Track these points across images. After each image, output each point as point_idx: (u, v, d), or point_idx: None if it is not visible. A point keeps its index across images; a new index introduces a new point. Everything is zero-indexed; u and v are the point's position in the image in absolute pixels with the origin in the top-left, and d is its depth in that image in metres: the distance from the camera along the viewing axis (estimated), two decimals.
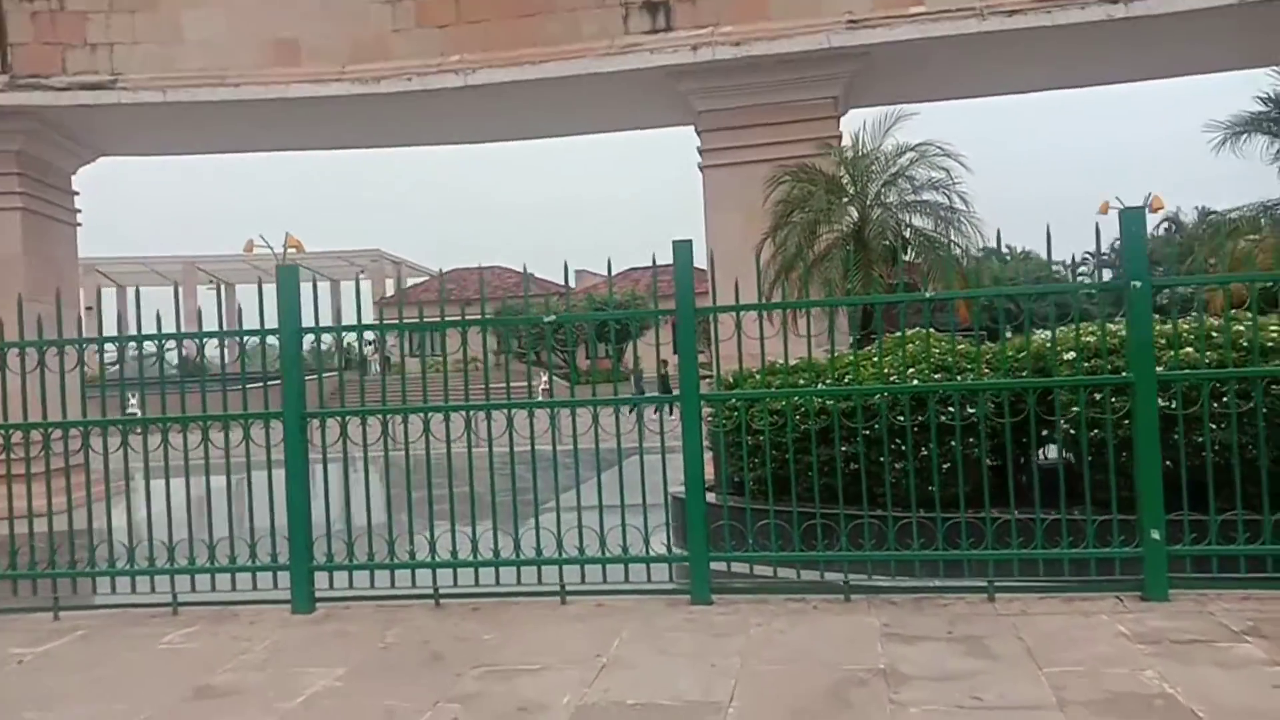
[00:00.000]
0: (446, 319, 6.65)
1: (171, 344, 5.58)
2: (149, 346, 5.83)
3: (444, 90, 13.14)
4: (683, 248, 5.66)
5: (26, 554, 6.12)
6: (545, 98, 13.67)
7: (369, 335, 6.08)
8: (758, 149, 12.77)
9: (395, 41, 13.49)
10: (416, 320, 6.47)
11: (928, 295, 6.37)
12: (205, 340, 6.18)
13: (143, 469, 6.12)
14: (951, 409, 5.75)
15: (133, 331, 6.24)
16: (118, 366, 6.71)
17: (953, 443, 5.64)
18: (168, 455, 6.00)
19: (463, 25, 13.40)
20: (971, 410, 5.75)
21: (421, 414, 6.04)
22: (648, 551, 5.72)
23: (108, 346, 6.51)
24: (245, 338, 6.10)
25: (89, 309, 58.84)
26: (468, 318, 6.25)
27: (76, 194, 15.50)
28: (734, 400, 6.42)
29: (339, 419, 6.01)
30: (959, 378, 6.55)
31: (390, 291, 57.24)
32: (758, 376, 6.30)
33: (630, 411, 5.91)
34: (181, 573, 5.99)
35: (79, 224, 15.52)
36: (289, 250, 37.80)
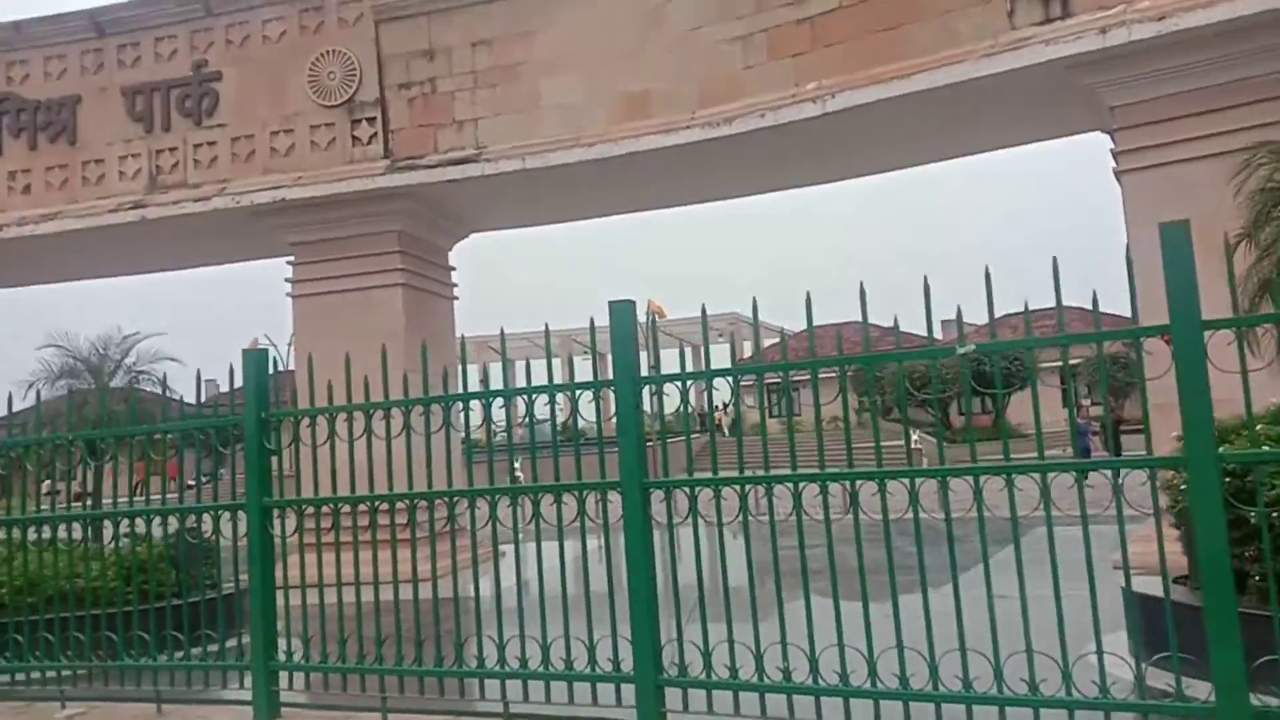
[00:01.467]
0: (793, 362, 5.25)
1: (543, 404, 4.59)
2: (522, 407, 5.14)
3: (799, 122, 11.92)
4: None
5: (356, 643, 5.41)
6: (914, 118, 12.01)
7: (720, 395, 4.78)
8: (1194, 143, 10.20)
9: (747, 79, 12.55)
10: (759, 363, 5.06)
11: None
12: (537, 397, 5.21)
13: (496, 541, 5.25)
14: None
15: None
16: (500, 431, 6.06)
17: None
18: (517, 525, 5.06)
19: (818, 51, 12.17)
20: None
21: (790, 484, 4.59)
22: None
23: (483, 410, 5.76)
24: (578, 392, 5.06)
25: (483, 381, 65.39)
26: (825, 361, 4.75)
27: (453, 269, 16.14)
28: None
29: (688, 490, 4.73)
30: None
31: (748, 354, 57.55)
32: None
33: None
34: (513, 677, 4.96)
35: (456, 298, 16.09)
36: (651, 316, 38.69)
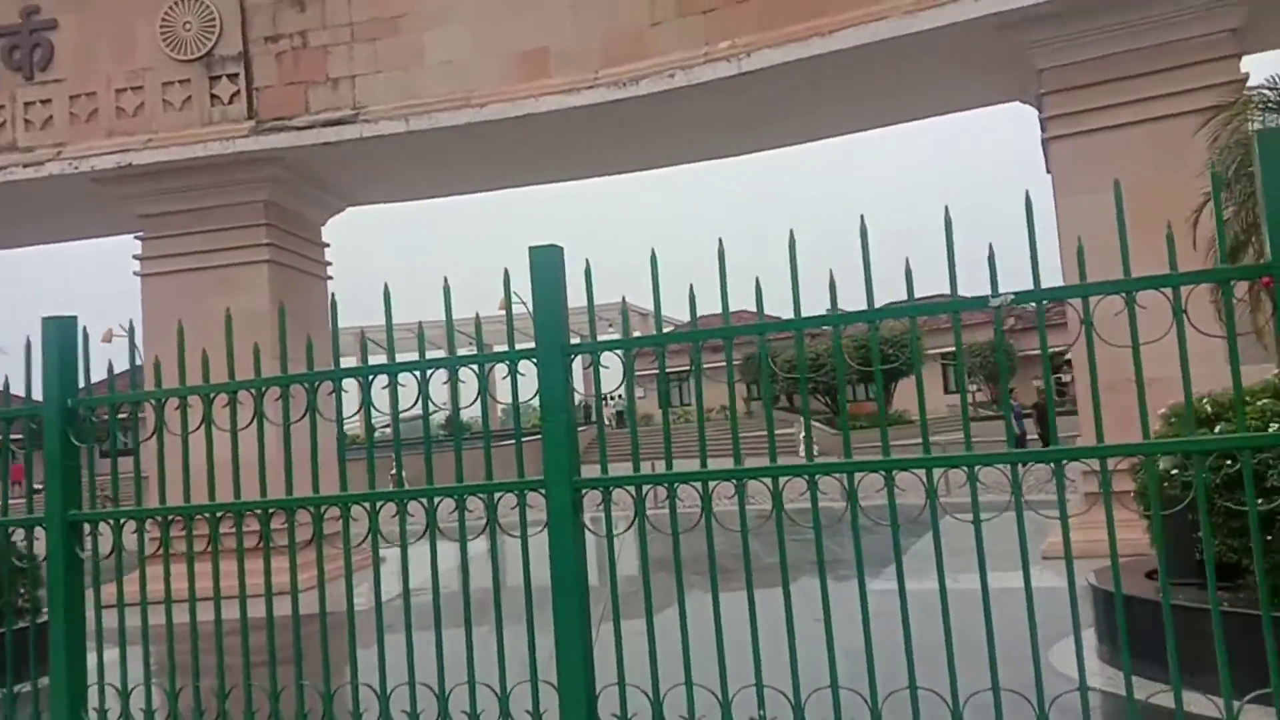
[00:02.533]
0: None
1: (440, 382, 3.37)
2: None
3: (714, 84, 10.95)
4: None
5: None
6: (837, 81, 11.19)
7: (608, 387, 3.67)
8: (1127, 108, 9.67)
9: (654, 37, 11.51)
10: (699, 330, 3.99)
11: None
12: (432, 374, 4.03)
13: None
14: None
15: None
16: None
17: None
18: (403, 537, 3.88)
19: (731, 7, 11.22)
20: None
21: (769, 478, 3.55)
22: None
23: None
24: (488, 366, 3.91)
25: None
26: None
27: (327, 246, 14.63)
28: None
29: (632, 491, 3.62)
30: None
31: None
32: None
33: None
34: None
35: (330, 278, 14.59)
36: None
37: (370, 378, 4.08)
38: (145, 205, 12.96)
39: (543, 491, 3.65)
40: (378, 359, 4.15)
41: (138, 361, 5.43)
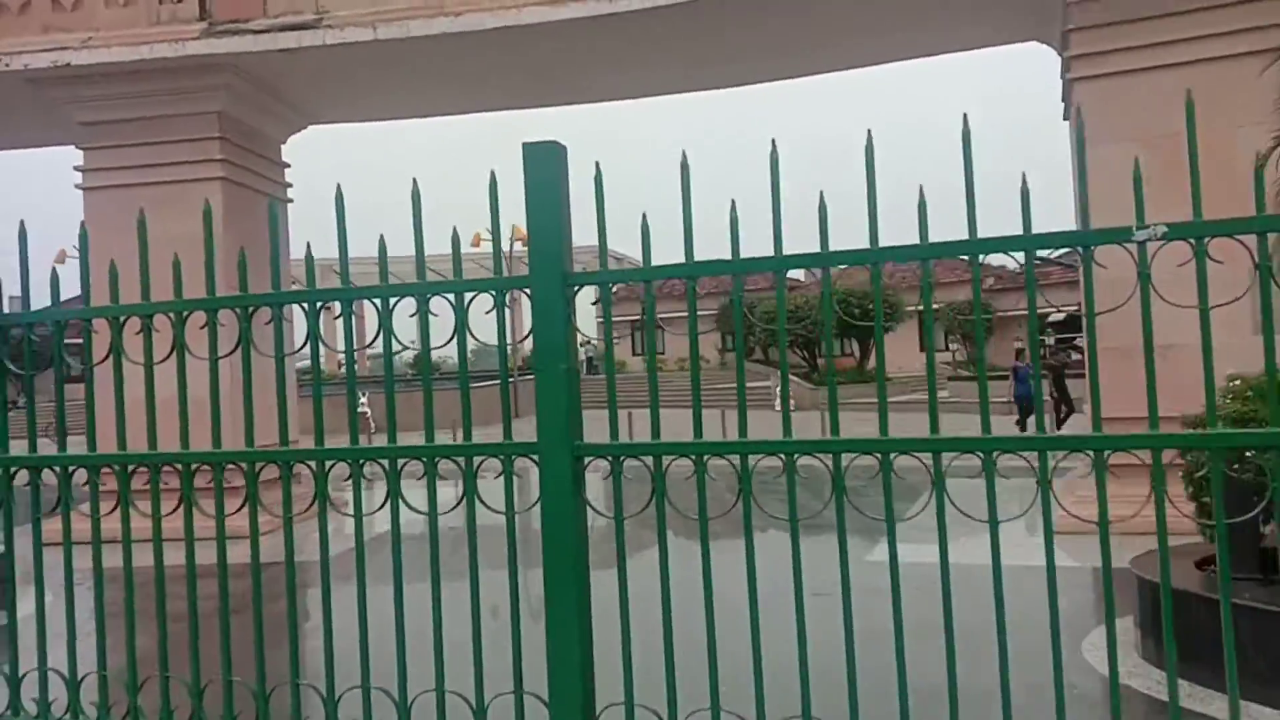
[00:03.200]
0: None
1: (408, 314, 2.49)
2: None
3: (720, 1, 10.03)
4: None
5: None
6: (851, 10, 10.32)
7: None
8: (1171, 47, 8.92)
9: None
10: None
11: None
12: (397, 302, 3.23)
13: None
14: None
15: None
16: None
17: None
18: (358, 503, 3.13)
19: None
20: None
21: (828, 454, 2.81)
22: None
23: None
24: (468, 296, 3.11)
25: (326, 308, 61.75)
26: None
27: (287, 166, 13.59)
28: None
29: (648, 461, 2.87)
30: None
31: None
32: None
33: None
34: None
35: (290, 200, 13.58)
36: (515, 244, 36.29)
37: (320, 305, 3.27)
38: (87, 112, 11.85)
39: (535, 458, 2.90)
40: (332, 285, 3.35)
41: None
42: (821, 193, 2.85)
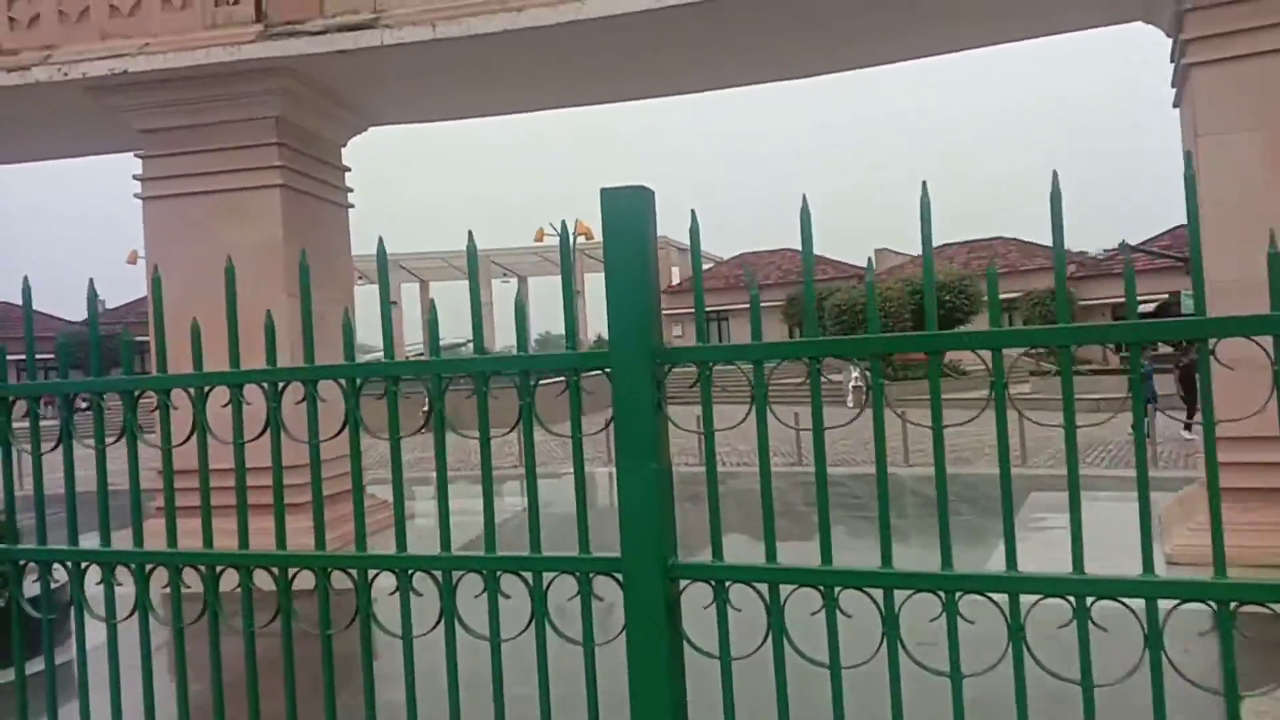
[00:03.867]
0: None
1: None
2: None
3: None
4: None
5: None
6: None
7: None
8: None
9: None
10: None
11: None
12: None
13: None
14: None
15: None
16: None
17: None
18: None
19: None
20: None
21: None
22: None
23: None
24: (534, 377, 2.54)
25: (393, 303, 62.21)
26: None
27: (348, 170, 13.24)
28: None
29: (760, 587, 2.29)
30: None
31: (676, 280, 55.13)
32: None
33: None
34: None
35: (350, 205, 13.24)
36: (577, 238, 35.95)
37: (360, 382, 2.74)
38: (145, 119, 11.61)
39: (618, 577, 2.34)
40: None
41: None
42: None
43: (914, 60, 12.13)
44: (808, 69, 12.37)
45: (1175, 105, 10.06)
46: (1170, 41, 9.79)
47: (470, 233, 2.61)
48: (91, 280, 3.38)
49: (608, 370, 2.38)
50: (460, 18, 10.24)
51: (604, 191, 2.35)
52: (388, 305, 2.61)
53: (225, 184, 11.39)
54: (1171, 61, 9.81)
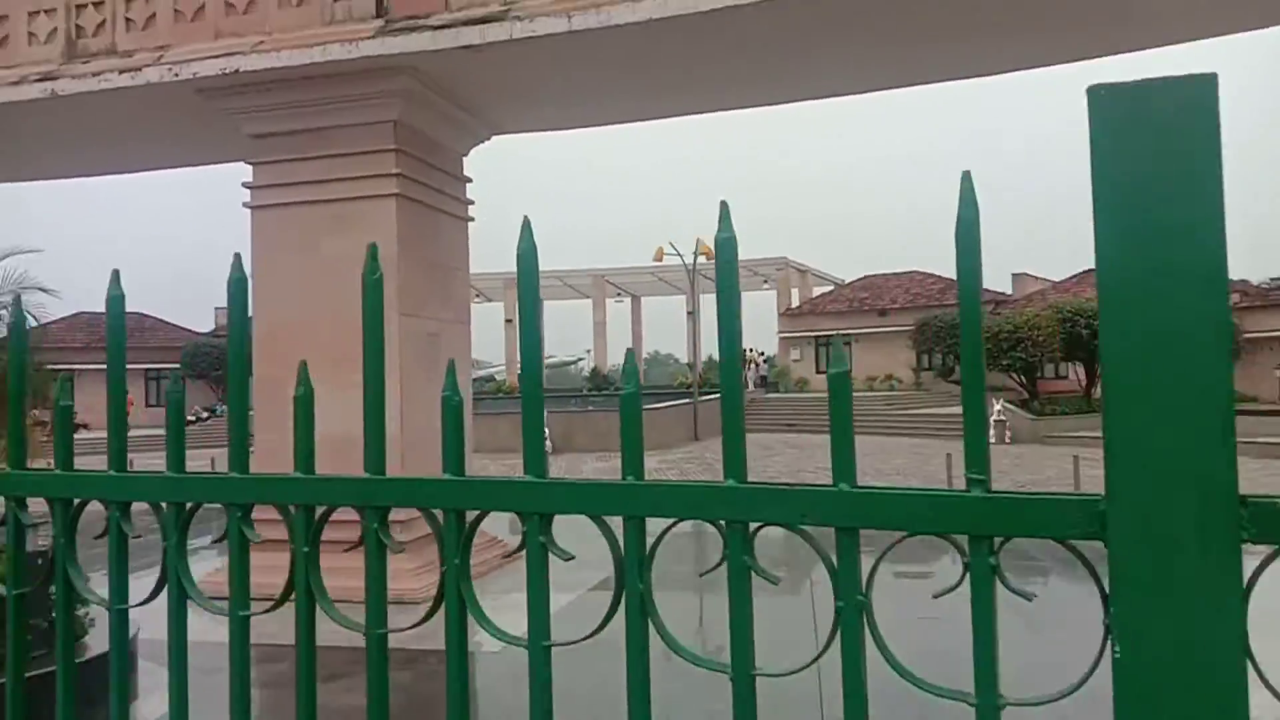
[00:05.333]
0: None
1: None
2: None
3: None
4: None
5: None
6: None
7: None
8: None
9: None
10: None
11: None
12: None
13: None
14: None
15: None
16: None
17: None
18: None
19: None
20: None
21: None
22: None
23: None
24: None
25: (509, 321, 61.43)
26: None
27: (469, 180, 12.22)
28: None
29: None
30: None
31: (795, 302, 53.29)
32: None
33: None
34: None
35: (471, 219, 12.21)
36: (699, 259, 34.66)
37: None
38: (256, 124, 10.81)
39: None
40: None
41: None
42: None
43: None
44: (977, 68, 10.81)
45: None
46: None
47: None
48: (116, 272, 2.10)
49: None
50: (599, 7, 9.06)
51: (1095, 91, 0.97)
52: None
53: (338, 193, 10.48)
54: None
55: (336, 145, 10.47)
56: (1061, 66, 10.86)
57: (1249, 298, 39.92)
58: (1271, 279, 42.24)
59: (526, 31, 9.32)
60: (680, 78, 10.57)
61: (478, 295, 53.78)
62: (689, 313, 49.00)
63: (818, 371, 49.91)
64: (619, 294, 57.31)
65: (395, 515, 1.54)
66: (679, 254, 34.60)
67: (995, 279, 50.37)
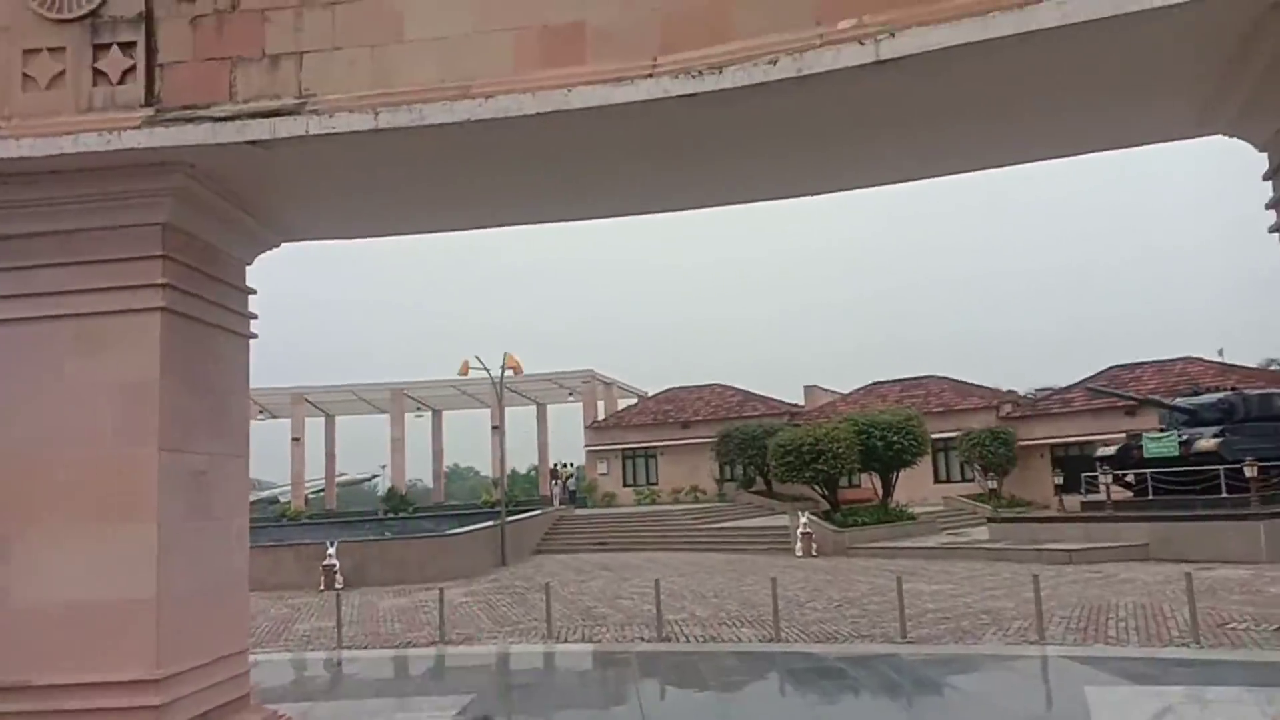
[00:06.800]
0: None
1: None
2: None
3: (837, 75, 7.52)
4: None
5: None
6: (1028, 79, 7.85)
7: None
8: None
9: (738, 14, 8.04)
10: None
11: None
12: None
13: None
14: None
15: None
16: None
17: None
18: None
19: None
20: None
21: None
22: None
23: None
24: None
25: (296, 440, 57.49)
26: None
27: (252, 292, 10.76)
28: None
29: None
30: None
31: (601, 415, 52.82)
32: None
33: None
34: None
35: (253, 335, 10.71)
36: (506, 372, 33.55)
37: None
38: None
39: None
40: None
41: None
42: None
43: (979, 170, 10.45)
44: (831, 184, 10.58)
45: (1274, 230, 8.47)
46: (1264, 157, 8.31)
47: None
48: None
49: None
50: (411, 103, 8.10)
51: None
52: None
53: (90, 306, 8.83)
54: (1265, 179, 8.33)
55: (91, 251, 8.86)
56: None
57: (1019, 408, 42.79)
58: (1037, 390, 45.61)
59: (325, 127, 8.21)
60: (505, 186, 9.71)
61: (261, 412, 50.21)
62: (494, 426, 47.49)
63: (624, 485, 49.38)
64: (419, 408, 55.14)
65: None
66: (485, 367, 33.36)
67: (790, 392, 52.10)
